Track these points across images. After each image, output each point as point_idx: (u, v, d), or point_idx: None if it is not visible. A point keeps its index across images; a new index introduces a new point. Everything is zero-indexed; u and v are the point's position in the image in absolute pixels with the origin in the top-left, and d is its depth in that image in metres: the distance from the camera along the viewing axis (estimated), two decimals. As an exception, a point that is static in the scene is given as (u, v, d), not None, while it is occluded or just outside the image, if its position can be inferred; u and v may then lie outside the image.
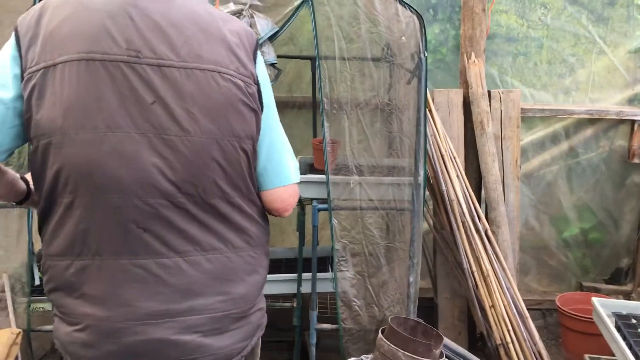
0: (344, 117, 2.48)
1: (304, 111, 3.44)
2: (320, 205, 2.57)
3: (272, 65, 2.53)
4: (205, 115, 1.30)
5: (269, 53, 2.50)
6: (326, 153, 2.49)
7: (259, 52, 1.41)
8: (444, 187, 3.00)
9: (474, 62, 3.28)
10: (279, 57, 3.24)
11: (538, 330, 3.25)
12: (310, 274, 2.69)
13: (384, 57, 2.54)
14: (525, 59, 3.47)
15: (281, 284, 2.88)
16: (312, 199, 2.63)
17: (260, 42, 2.43)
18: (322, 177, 2.55)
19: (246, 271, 1.41)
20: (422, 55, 2.42)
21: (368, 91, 2.48)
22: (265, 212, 1.49)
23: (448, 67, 3.45)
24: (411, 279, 2.58)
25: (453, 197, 3.01)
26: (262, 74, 1.41)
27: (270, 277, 2.86)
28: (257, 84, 1.38)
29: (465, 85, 3.32)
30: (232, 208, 1.37)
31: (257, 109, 1.37)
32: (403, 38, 2.41)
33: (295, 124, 3.46)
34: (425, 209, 3.28)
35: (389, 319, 2.45)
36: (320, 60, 2.41)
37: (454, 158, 3.10)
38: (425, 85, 2.45)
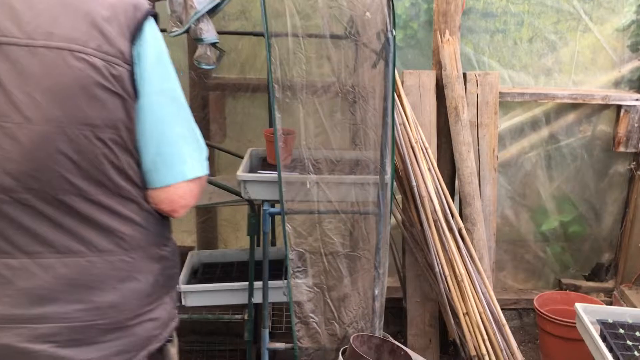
0: (299, 106, 2.12)
1: (258, 95, 3.06)
2: (272, 210, 2.23)
3: (213, 45, 2.15)
4: (50, 100, 1.18)
5: (208, 31, 2.12)
6: (278, 148, 2.13)
7: (147, 29, 1.27)
8: (414, 182, 2.68)
9: (448, 40, 2.93)
10: (229, 33, 2.86)
11: (514, 332, 2.99)
12: (272, 281, 2.36)
13: (346, 35, 2.18)
14: (503, 36, 3.13)
15: (231, 294, 2.54)
16: (263, 201, 2.27)
17: (197, 17, 2.04)
18: (274, 175, 2.19)
19: (117, 278, 1.30)
20: (389, 34, 2.06)
21: (327, 76, 2.13)
22: (151, 207, 1.34)
23: (420, 45, 3.10)
24: (376, 292, 2.26)
25: (424, 192, 2.69)
26: (149, 53, 1.26)
27: (217, 286, 2.57)
28: (131, 64, 1.23)
29: (439, 66, 2.98)
30: (93, 206, 1.26)
31: (123, 94, 1.24)
32: (367, 14, 2.06)
33: (249, 110, 3.09)
34: (393, 203, 2.97)
35: (351, 338, 2.14)
36: (270, 39, 2.04)
37: (426, 149, 2.77)
38: (394, 70, 2.10)
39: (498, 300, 3.04)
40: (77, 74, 1.19)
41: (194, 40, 2.18)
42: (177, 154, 1.32)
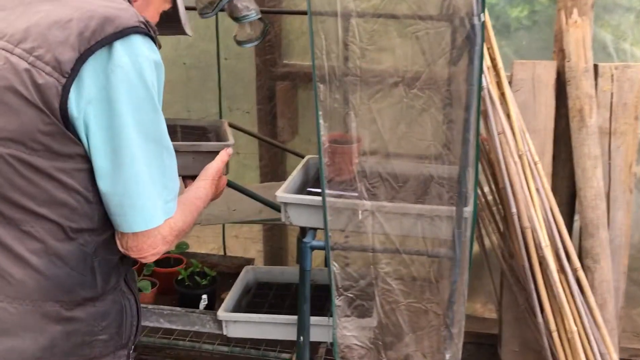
0: (350, 114, 1.63)
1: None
2: (314, 243, 1.76)
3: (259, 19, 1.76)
4: None
5: (247, 7, 1.71)
6: (322, 164, 1.66)
7: (118, 48, 1.05)
8: (514, 209, 2.08)
9: (576, 22, 2.25)
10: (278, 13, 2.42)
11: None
12: (316, 317, 1.92)
13: (445, 11, 1.63)
14: (655, 17, 2.39)
15: (281, 327, 2.12)
16: (308, 229, 1.82)
17: None
18: (319, 199, 1.73)
19: None
20: (475, 20, 1.50)
21: (388, 75, 1.61)
22: (67, 252, 1.10)
23: (538, 28, 2.46)
24: (448, 357, 1.74)
25: (526, 222, 2.09)
26: (117, 77, 1.05)
27: (263, 317, 2.16)
28: (68, 77, 1.03)
29: (561, 55, 2.32)
30: None
31: (42, 107, 1.03)
32: (445, -10, 1.51)
33: (308, 103, 2.63)
34: (487, 221, 2.39)
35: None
36: (315, 25, 1.56)
37: (535, 164, 2.16)
38: (480, 67, 1.54)
39: (628, 349, 2.39)
40: None
41: (233, 20, 1.78)
42: (143, 196, 1.11)
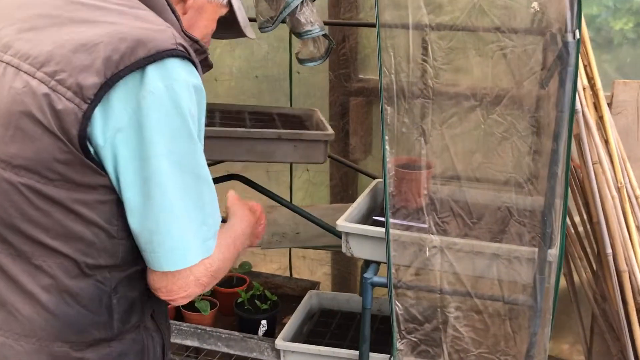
0: (420, 140, 1.47)
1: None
2: (376, 279, 1.61)
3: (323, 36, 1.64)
4: None
5: (310, 22, 1.59)
6: (387, 193, 1.50)
7: (150, 74, 0.97)
8: (609, 250, 1.83)
9: (691, 37, 1.98)
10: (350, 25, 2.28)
11: None
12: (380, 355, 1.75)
13: (537, 25, 1.44)
14: None
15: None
16: (370, 262, 1.67)
17: (290, 7, 1.50)
18: (382, 230, 1.58)
19: None
20: (569, 37, 1.29)
21: (464, 98, 1.43)
22: (80, 289, 1.02)
23: (635, 45, 2.19)
24: (523, 417, 1.52)
25: (624, 266, 1.83)
26: (151, 105, 0.97)
27: (322, 350, 2.02)
28: (90, 104, 0.95)
29: (672, 74, 2.05)
30: None
31: (59, 134, 0.96)
32: (535, 4, 1.31)
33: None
34: (576, 252, 2.14)
35: None
36: (384, 41, 1.41)
37: (637, 197, 1.89)
38: (574, 91, 1.33)
39: None
40: (13, 97, 0.98)
41: (295, 35, 1.66)
42: (174, 234, 1.02)
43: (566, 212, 1.43)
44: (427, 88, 1.44)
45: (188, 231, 1.02)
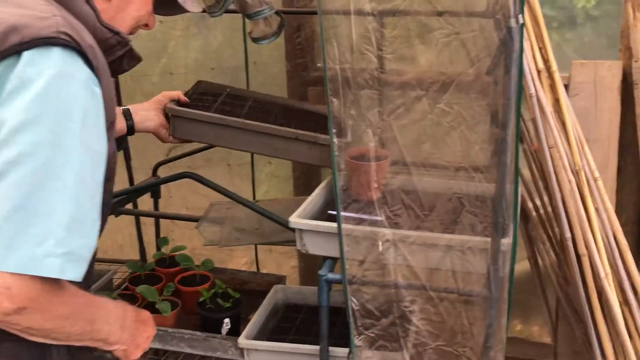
0: (368, 132, 1.43)
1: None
2: (330, 276, 1.57)
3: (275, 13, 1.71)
4: None
5: (259, 2, 1.56)
6: (337, 188, 1.47)
7: (24, 59, 0.95)
8: (568, 233, 1.82)
9: (646, 15, 1.96)
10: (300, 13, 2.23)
11: None
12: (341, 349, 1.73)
13: (481, 11, 1.40)
14: None
15: (301, 358, 1.95)
16: (325, 259, 1.63)
17: None
18: (335, 226, 1.54)
19: None
20: (512, 22, 1.26)
21: (410, 87, 1.39)
22: None
23: (601, 24, 2.16)
24: (483, 408, 1.51)
25: (583, 249, 1.82)
26: (20, 90, 0.93)
27: (283, 346, 1.99)
28: None
29: (628, 54, 2.03)
30: None
31: None
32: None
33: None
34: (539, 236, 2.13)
35: None
36: (327, 31, 1.37)
37: (595, 179, 1.88)
38: (520, 78, 1.30)
39: None
40: None
41: (245, 17, 1.63)
42: (10, 231, 0.90)
43: (517, 201, 1.40)
44: (372, 78, 1.40)
45: (23, 228, 0.91)
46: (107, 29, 1.11)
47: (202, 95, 2.03)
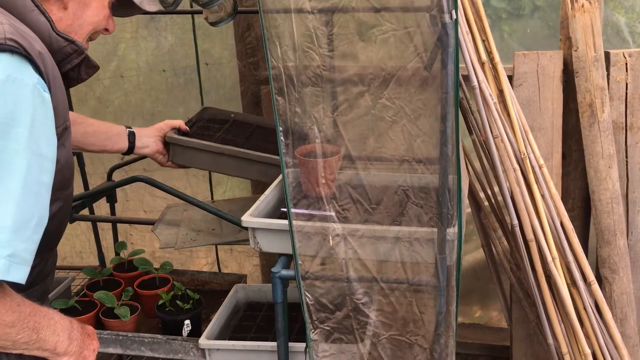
0: (313, 128, 1.45)
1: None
2: (283, 273, 1.59)
3: None
4: None
5: None
6: (286, 186, 1.48)
7: None
8: (515, 220, 1.87)
9: (583, 6, 2.01)
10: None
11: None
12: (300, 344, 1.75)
13: (417, 6, 1.43)
14: (676, -6, 2.13)
15: (267, 356, 1.96)
16: (279, 255, 1.65)
17: None
18: (286, 223, 1.56)
19: None
20: (447, 18, 1.29)
21: (354, 84, 1.42)
22: None
23: (543, 14, 2.22)
24: (437, 394, 1.55)
25: (530, 235, 1.87)
26: None
27: (246, 344, 2.01)
28: None
29: (568, 44, 2.09)
30: None
31: None
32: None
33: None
34: (490, 228, 2.19)
35: None
36: (269, 30, 1.38)
37: (540, 167, 1.94)
38: (457, 73, 1.33)
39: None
40: None
41: (200, 6, 1.64)
42: None
43: (460, 191, 1.44)
44: (315, 76, 1.42)
45: None
46: (62, 38, 1.12)
47: (209, 122, 2.13)
